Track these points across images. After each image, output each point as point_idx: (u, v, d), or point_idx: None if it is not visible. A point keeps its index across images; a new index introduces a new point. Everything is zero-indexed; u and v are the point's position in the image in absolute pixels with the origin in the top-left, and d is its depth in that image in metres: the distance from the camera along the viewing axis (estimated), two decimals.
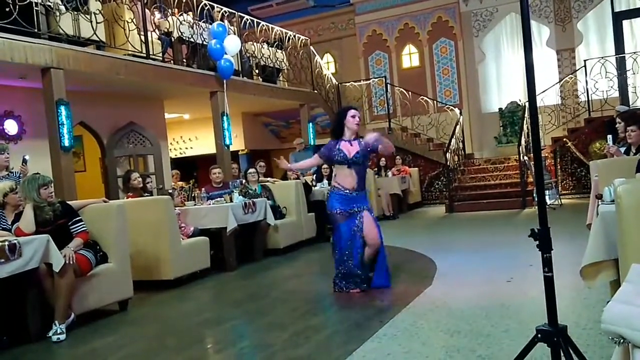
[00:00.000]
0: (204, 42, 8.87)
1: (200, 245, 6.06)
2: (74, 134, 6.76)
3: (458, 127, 12.17)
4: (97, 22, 6.86)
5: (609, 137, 5.82)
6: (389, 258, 5.08)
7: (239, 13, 10.08)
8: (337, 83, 13.57)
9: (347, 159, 4.69)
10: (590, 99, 11.36)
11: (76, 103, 6.82)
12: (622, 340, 1.67)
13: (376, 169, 11.19)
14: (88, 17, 6.75)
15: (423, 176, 12.60)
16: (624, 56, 11.54)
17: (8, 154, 5.40)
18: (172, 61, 8.48)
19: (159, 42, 8.21)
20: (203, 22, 8.99)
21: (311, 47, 12.65)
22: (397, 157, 11.63)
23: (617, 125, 5.87)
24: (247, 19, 10.36)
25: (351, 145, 4.74)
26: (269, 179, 8.47)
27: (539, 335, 2.28)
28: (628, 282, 1.87)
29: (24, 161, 5.65)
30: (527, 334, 2.58)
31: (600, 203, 3.15)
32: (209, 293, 5.57)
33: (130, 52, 7.51)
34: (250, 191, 7.13)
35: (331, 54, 15.05)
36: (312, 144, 11.70)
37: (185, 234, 6.05)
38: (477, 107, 13.27)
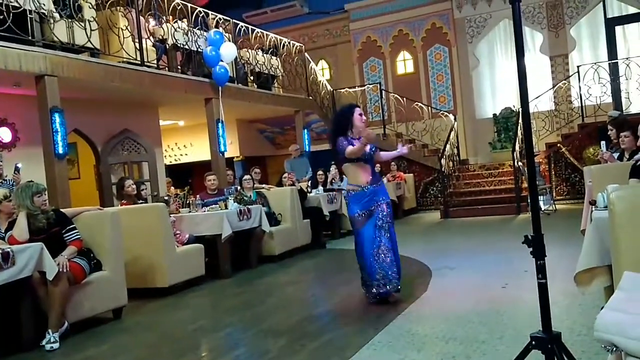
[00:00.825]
0: (199, 49, 8.87)
1: (195, 252, 6.05)
2: (69, 141, 6.75)
3: (453, 133, 12.20)
4: (91, 30, 6.85)
5: (603, 142, 5.87)
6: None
7: (233, 20, 10.09)
8: (331, 89, 13.57)
9: (366, 153, 4.53)
10: (583, 104, 11.41)
11: (70, 110, 6.80)
12: (614, 349, 1.67)
13: None
14: (82, 24, 6.74)
15: (418, 182, 12.62)
16: (617, 62, 11.64)
17: (1, 161, 5.39)
18: (166, 68, 8.46)
19: (154, 49, 8.21)
20: (198, 29, 8.99)
21: (306, 54, 12.67)
22: (392, 163, 11.63)
23: (609, 132, 5.91)
24: (242, 26, 10.37)
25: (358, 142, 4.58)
26: (264, 185, 8.48)
27: (533, 343, 2.28)
28: (620, 290, 1.88)
29: (17, 169, 5.63)
30: (522, 340, 2.58)
31: (593, 209, 3.16)
32: (204, 300, 5.55)
33: (124, 60, 7.50)
34: (245, 198, 7.12)
35: (326, 60, 15.08)
36: (307, 150, 11.70)
37: (180, 242, 6.04)
38: (471, 113, 13.32)
